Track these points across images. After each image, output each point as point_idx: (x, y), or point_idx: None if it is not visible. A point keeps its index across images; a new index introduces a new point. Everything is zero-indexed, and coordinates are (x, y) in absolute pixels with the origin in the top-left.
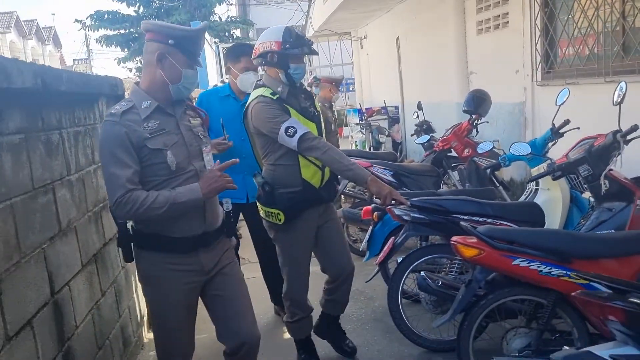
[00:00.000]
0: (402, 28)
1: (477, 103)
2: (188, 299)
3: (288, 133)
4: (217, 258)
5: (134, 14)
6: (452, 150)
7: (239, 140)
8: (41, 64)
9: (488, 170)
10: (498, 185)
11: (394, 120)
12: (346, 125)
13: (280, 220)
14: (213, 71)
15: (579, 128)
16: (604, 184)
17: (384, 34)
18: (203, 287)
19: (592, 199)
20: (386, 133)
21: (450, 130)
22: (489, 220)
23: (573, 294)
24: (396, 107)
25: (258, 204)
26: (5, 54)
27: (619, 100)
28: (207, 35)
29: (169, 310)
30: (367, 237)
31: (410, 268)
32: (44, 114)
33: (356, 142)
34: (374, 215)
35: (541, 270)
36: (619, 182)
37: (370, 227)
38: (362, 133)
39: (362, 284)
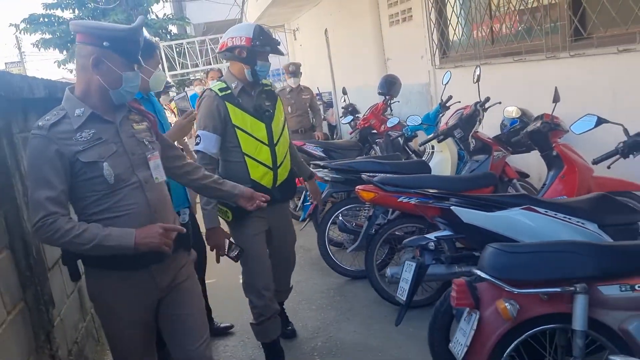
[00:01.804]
0: (329, 21)
1: (389, 86)
2: (142, 317)
3: (197, 140)
4: (173, 274)
5: (71, 16)
6: (372, 127)
7: None
8: (47, 79)
9: (401, 141)
10: (411, 153)
11: (328, 105)
12: None
13: (228, 217)
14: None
15: (500, 102)
16: (472, 142)
17: (314, 26)
18: (158, 304)
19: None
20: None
21: (368, 111)
22: (388, 175)
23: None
24: (329, 93)
25: None
26: None
27: (475, 79)
28: (146, 33)
29: (123, 330)
30: (300, 201)
31: (332, 218)
32: None
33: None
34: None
35: (415, 203)
36: (482, 140)
37: (303, 193)
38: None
39: (300, 238)
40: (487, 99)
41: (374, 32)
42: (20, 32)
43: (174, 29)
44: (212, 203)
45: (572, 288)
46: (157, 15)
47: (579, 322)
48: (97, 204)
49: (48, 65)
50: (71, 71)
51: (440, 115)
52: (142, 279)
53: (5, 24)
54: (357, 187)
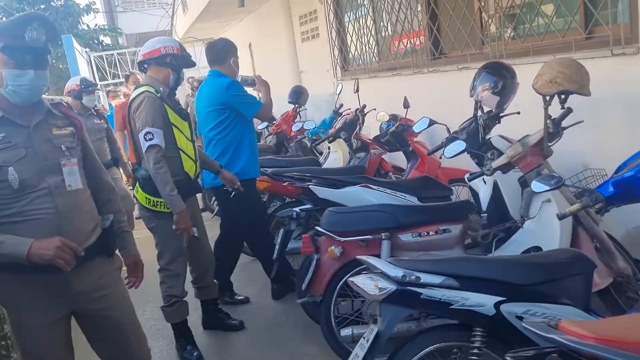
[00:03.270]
0: (251, 35)
1: (297, 95)
2: (53, 323)
3: (147, 137)
4: (92, 282)
5: None
6: (284, 132)
7: (200, 121)
8: None
9: (309, 143)
10: (318, 154)
11: None
12: None
13: (168, 208)
14: None
15: (375, 109)
16: (354, 142)
17: (239, 40)
18: (78, 313)
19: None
20: None
21: (280, 117)
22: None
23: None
24: None
25: (144, 194)
26: None
27: (355, 89)
28: (76, 44)
29: (30, 337)
30: None
31: None
32: None
33: None
34: None
35: (287, 184)
36: (362, 140)
37: None
38: None
39: None
40: (364, 106)
41: (289, 47)
42: None
43: (106, 39)
44: (175, 189)
45: (379, 236)
46: (88, 26)
47: (383, 257)
48: (4, 208)
49: None
50: None
51: (335, 120)
52: (52, 284)
53: None
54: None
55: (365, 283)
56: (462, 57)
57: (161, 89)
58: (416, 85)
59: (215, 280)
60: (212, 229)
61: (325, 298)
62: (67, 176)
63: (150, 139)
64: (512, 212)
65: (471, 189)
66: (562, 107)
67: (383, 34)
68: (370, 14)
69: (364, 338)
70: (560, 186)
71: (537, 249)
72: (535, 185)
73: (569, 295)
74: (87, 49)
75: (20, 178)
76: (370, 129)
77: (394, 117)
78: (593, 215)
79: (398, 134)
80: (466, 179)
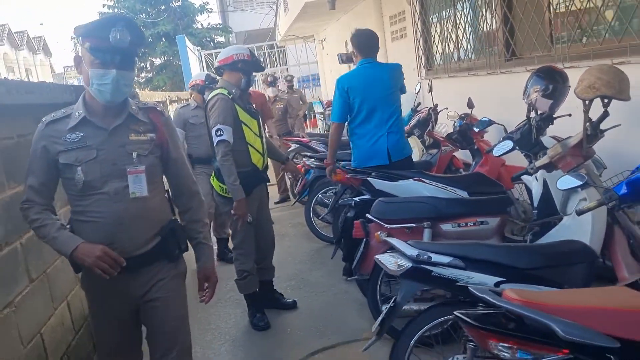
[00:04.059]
0: (348, 34)
1: None
2: (118, 318)
3: (217, 133)
4: (147, 285)
5: None
6: None
7: (378, 103)
8: (75, 85)
9: None
10: None
11: None
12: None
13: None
14: None
15: (446, 108)
16: (426, 139)
17: (336, 38)
18: (138, 311)
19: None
20: None
21: None
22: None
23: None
24: None
25: (217, 182)
26: None
27: (428, 89)
28: (189, 43)
29: (102, 327)
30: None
31: (316, 196)
32: None
33: (319, 127)
34: None
35: (349, 177)
36: (434, 137)
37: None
38: (321, 120)
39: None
40: (437, 105)
41: (380, 46)
42: (77, 39)
43: (218, 38)
44: (238, 180)
45: (422, 224)
46: (202, 25)
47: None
48: (74, 204)
49: None
50: None
51: (414, 118)
52: (117, 283)
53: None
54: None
55: (388, 260)
56: (530, 59)
57: (233, 90)
58: (489, 86)
59: (273, 266)
60: (295, 216)
61: (372, 277)
62: (132, 183)
63: (220, 135)
64: (559, 209)
65: (526, 186)
66: (604, 111)
67: (462, 35)
68: (452, 16)
69: (385, 306)
70: (583, 185)
71: None
72: (560, 183)
73: (569, 281)
74: (199, 48)
75: (85, 179)
76: (449, 127)
77: (465, 117)
78: (629, 214)
79: (463, 132)
80: (511, 179)
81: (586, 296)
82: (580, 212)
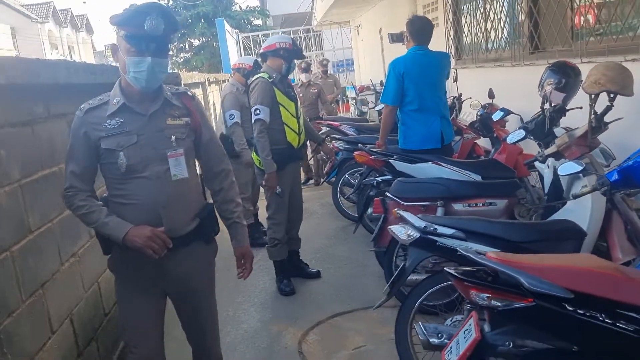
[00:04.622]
0: (382, 21)
1: None
2: (148, 300)
3: (255, 112)
4: (185, 268)
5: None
6: None
7: (431, 88)
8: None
9: None
10: None
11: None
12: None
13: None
14: (235, 59)
15: (470, 98)
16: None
17: (371, 25)
18: (170, 292)
19: None
20: (369, 105)
21: None
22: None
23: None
24: (381, 83)
25: (256, 157)
26: (44, 42)
27: (454, 79)
28: (227, 26)
29: (127, 308)
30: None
31: (343, 177)
32: None
33: (351, 112)
34: None
35: (373, 158)
36: (457, 125)
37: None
38: (353, 105)
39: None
40: (461, 94)
41: None
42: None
43: (256, 21)
44: (270, 155)
45: (436, 203)
46: (240, 7)
47: None
48: (114, 187)
49: None
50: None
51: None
52: (151, 264)
53: (109, 11)
54: (355, 152)
55: (399, 231)
56: (552, 53)
57: (274, 75)
58: (514, 77)
59: (300, 238)
60: (324, 195)
61: (389, 250)
62: (172, 167)
63: (257, 114)
64: (565, 194)
65: (539, 173)
66: (610, 104)
67: (490, 26)
68: (481, 7)
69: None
70: (584, 172)
71: None
72: (561, 169)
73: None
74: (237, 30)
75: (127, 163)
76: (472, 115)
77: (487, 106)
78: (629, 201)
79: (484, 121)
80: (524, 164)
81: (551, 259)
82: (575, 196)
